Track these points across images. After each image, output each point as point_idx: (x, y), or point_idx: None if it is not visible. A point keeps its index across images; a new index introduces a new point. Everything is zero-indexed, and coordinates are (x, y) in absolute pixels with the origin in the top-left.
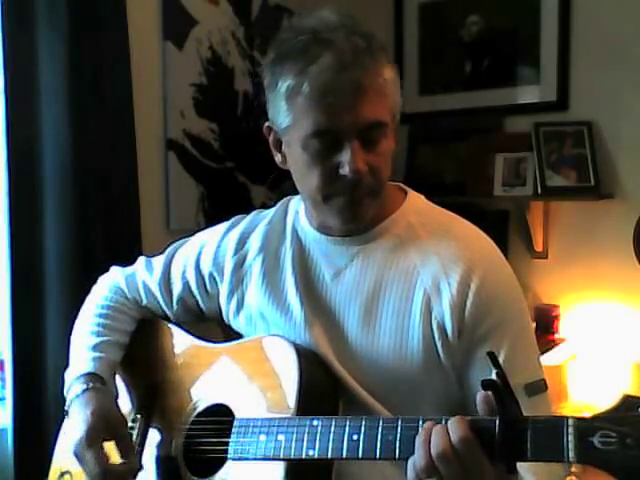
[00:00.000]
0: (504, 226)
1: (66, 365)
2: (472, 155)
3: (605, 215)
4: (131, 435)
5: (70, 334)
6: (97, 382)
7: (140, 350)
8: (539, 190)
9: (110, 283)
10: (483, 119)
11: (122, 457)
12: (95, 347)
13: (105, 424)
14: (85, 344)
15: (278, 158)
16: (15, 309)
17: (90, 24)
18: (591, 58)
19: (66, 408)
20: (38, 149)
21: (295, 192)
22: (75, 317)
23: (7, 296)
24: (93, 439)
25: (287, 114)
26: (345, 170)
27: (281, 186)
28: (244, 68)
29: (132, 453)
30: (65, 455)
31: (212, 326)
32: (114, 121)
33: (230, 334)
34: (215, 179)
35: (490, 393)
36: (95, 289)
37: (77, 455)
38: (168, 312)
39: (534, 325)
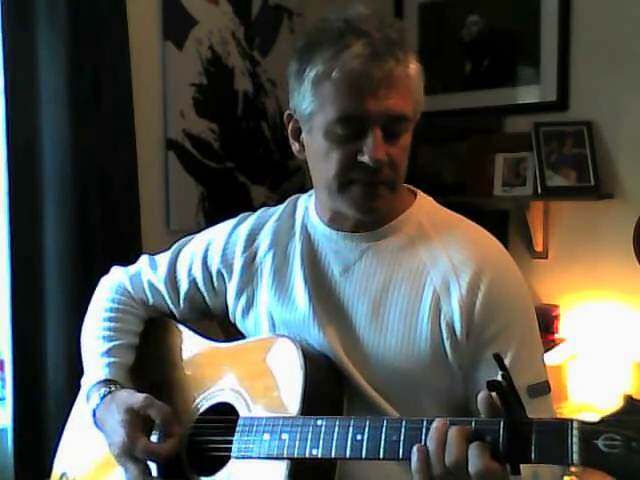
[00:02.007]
0: (504, 226)
1: (68, 365)
2: (472, 155)
3: (605, 215)
4: None
5: (70, 334)
6: (113, 386)
7: (145, 348)
8: (539, 190)
9: (114, 284)
10: (483, 119)
11: (166, 433)
12: (107, 352)
13: (137, 416)
14: (97, 350)
15: (295, 147)
16: (15, 309)
17: (90, 24)
18: (591, 58)
19: (90, 417)
20: (38, 149)
21: (296, 192)
22: (75, 317)
23: (7, 296)
24: (136, 436)
25: (312, 99)
26: (365, 158)
27: (281, 186)
28: (244, 68)
29: (174, 424)
30: (67, 457)
31: (213, 326)
32: (114, 121)
33: (232, 333)
34: (215, 179)
35: (493, 394)
36: (99, 291)
37: (125, 457)
38: (175, 310)
39: None
